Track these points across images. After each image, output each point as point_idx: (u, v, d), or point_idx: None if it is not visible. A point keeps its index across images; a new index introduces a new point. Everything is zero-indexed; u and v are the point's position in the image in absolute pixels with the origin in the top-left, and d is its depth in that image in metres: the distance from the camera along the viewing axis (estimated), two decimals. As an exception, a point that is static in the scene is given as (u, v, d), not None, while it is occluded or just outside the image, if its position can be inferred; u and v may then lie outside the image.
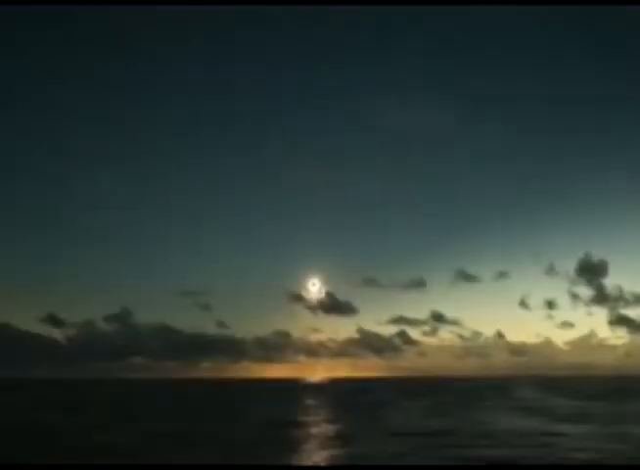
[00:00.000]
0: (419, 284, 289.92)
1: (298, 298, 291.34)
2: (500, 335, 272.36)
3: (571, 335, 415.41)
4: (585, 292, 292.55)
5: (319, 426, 45.22)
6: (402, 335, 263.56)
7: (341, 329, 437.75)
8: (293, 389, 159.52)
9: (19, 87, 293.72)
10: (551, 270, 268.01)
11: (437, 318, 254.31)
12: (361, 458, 27.98)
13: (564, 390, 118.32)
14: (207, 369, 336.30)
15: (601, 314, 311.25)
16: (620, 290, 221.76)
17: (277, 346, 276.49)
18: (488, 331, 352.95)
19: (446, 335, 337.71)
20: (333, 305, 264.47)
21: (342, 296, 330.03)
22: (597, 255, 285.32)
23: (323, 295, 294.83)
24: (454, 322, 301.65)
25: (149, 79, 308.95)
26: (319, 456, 28.93)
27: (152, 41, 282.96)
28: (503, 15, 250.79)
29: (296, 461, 27.40)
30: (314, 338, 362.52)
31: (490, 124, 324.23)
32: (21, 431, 42.12)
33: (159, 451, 30.67)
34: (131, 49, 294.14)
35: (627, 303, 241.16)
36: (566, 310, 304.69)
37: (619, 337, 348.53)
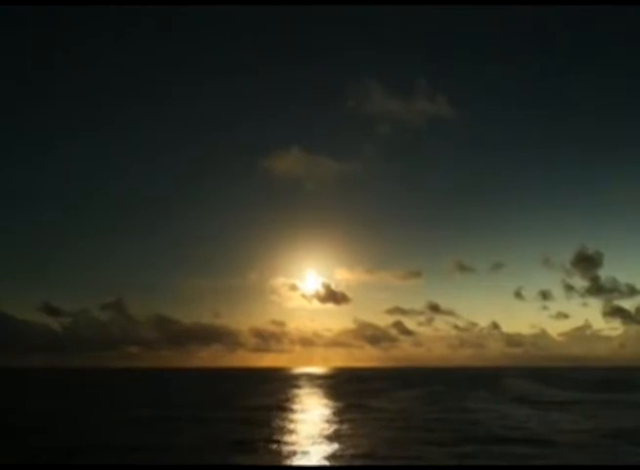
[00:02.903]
0: (415, 275, 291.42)
1: (294, 287, 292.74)
2: (495, 325, 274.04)
3: (566, 326, 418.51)
4: (580, 283, 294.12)
5: (306, 412, 46.20)
6: (398, 325, 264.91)
7: (336, 319, 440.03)
8: (288, 378, 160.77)
9: None
10: (546, 262, 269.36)
11: (433, 309, 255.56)
12: (339, 437, 28.98)
13: (557, 380, 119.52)
14: (204, 359, 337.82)
15: (595, 306, 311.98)
16: (615, 281, 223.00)
17: (273, 335, 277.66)
18: (484, 322, 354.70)
19: (442, 325, 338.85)
20: (329, 296, 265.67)
21: (337, 286, 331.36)
22: (592, 246, 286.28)
23: (319, 285, 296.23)
24: (450, 313, 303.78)
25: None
26: (300, 437, 29.93)
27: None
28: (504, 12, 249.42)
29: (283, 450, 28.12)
30: (310, 328, 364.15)
31: (489, 118, 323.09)
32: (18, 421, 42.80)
33: (147, 435, 31.49)
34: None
35: (622, 294, 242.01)
36: (560, 301, 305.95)
37: (614, 328, 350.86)
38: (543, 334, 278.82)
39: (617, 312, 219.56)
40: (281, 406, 51.60)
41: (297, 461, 24.47)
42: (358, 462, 24.04)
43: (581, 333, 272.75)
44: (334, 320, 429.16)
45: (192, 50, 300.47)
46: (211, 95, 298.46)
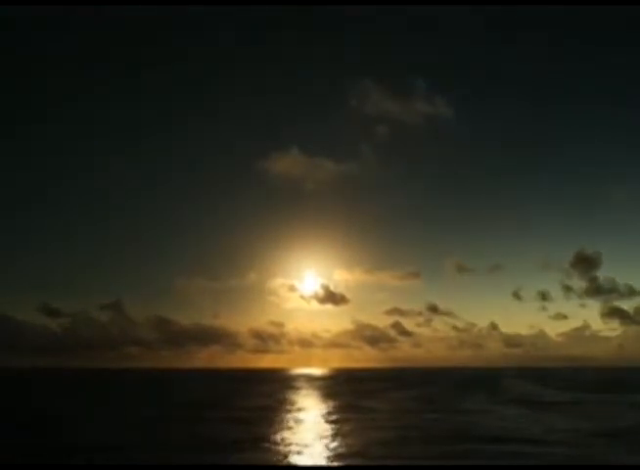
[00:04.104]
0: (414, 275, 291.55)
1: (293, 288, 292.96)
2: (494, 326, 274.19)
3: (565, 327, 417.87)
4: (579, 284, 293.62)
5: (303, 412, 46.65)
6: (397, 326, 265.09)
7: (335, 320, 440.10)
8: (286, 379, 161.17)
9: None
10: (545, 263, 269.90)
11: (432, 310, 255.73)
12: (334, 437, 29.52)
13: (556, 381, 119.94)
14: (203, 359, 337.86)
15: (594, 306, 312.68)
16: (614, 282, 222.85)
17: (272, 336, 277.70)
18: (482, 322, 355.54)
19: (441, 326, 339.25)
20: (327, 296, 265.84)
21: (336, 287, 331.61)
22: (591, 247, 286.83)
23: (318, 286, 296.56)
24: (449, 313, 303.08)
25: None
26: (296, 437, 30.48)
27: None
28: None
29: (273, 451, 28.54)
30: (309, 329, 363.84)
31: (488, 119, 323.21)
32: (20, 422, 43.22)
33: (146, 436, 31.96)
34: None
35: (620, 295, 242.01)
36: (559, 302, 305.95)
37: (612, 329, 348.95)
38: (542, 335, 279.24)
39: (616, 313, 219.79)
40: (278, 407, 52.04)
41: (294, 461, 24.90)
42: (353, 462, 24.48)
43: (580, 334, 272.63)
44: (332, 321, 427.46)
45: (189, 52, 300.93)
46: (210, 95, 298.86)
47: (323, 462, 24.56)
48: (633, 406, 51.70)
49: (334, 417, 42.18)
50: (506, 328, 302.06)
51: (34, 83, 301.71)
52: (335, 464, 24.19)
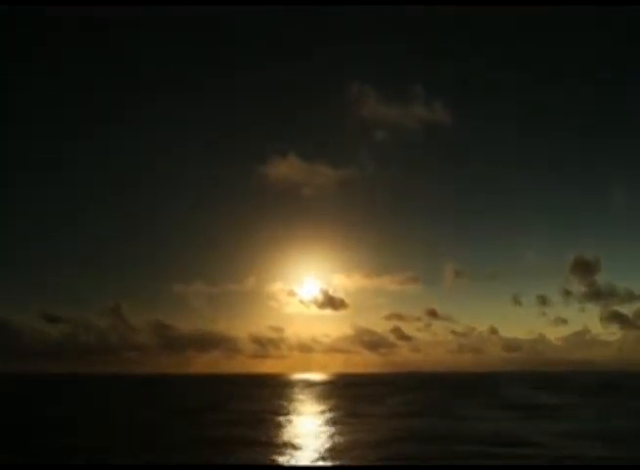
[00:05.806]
0: (413, 280, 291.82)
1: (292, 293, 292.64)
2: (493, 330, 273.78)
3: (565, 331, 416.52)
4: (578, 288, 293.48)
5: (299, 415, 46.87)
6: (396, 331, 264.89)
7: (335, 325, 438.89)
8: (285, 384, 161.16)
9: None
10: (544, 267, 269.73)
11: (431, 314, 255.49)
12: (329, 440, 29.76)
13: (555, 385, 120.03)
14: (202, 365, 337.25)
15: (594, 311, 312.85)
16: (613, 286, 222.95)
17: (271, 341, 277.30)
18: (482, 326, 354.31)
19: (440, 331, 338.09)
20: (327, 301, 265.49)
21: (335, 292, 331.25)
22: (590, 251, 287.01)
23: (317, 291, 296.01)
24: (448, 318, 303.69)
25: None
26: (292, 438, 30.75)
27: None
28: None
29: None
30: (308, 334, 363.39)
31: (487, 124, 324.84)
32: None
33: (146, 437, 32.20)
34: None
35: (620, 299, 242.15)
36: (559, 307, 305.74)
37: (612, 333, 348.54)
38: (542, 339, 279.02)
39: (616, 317, 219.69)
40: (277, 411, 52.25)
41: (292, 461, 25.12)
42: (350, 462, 24.70)
43: (580, 338, 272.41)
44: (332, 326, 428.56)
45: (189, 54, 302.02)
46: (209, 101, 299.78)
47: (321, 462, 24.81)
48: (632, 410, 51.86)
49: (331, 420, 42.37)
50: (505, 332, 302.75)
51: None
52: (333, 464, 24.45)
